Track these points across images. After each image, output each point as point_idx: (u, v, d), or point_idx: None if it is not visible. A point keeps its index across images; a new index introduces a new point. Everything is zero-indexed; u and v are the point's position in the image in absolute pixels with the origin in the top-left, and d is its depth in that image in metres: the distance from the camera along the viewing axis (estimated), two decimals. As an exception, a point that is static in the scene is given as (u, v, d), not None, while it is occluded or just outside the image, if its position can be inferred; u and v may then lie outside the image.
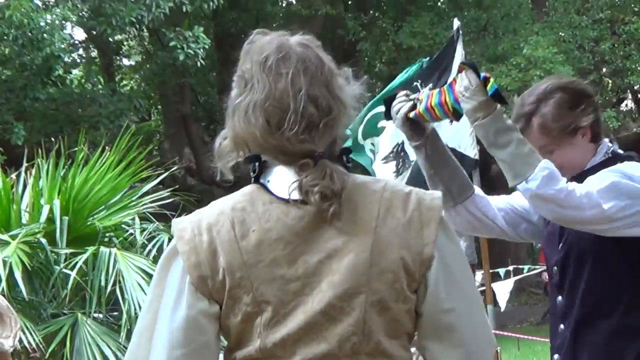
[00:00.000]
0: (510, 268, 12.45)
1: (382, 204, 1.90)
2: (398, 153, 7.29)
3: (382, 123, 7.31)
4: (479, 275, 10.24)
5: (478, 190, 3.18)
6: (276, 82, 1.89)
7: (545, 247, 3.31)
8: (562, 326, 3.12)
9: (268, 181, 1.91)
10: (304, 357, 1.86)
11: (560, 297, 3.13)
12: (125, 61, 22.25)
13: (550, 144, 3.09)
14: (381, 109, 7.62)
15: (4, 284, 5.82)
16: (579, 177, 3.02)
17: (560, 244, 3.14)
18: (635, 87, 20.78)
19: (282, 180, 1.90)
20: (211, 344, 1.91)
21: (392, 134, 7.30)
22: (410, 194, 1.93)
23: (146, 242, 7.01)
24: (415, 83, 7.05)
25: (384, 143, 7.42)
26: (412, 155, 6.98)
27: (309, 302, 1.85)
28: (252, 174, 1.93)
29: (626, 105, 23.50)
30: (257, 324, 1.87)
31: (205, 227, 1.90)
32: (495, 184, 22.33)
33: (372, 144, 7.65)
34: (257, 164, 1.92)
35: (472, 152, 6.78)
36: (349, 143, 7.32)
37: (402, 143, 7.18)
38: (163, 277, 1.94)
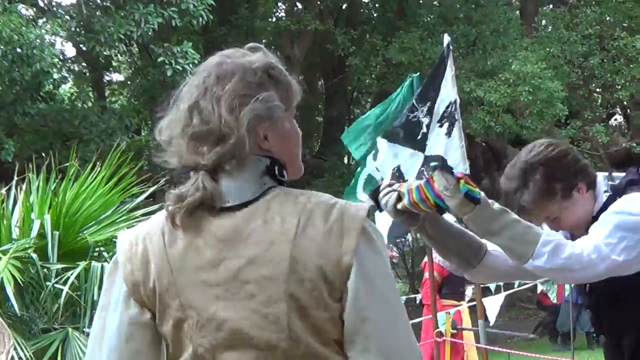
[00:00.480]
0: (501, 283, 12.44)
1: (304, 214, 1.90)
2: (395, 176, 7.20)
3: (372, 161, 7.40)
4: (469, 290, 10.26)
5: (491, 245, 3.08)
6: (186, 91, 2.00)
7: (574, 290, 3.35)
8: None
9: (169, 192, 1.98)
10: None
11: (604, 336, 3.29)
12: (116, 76, 22.27)
13: (553, 214, 3.14)
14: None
15: (-5, 299, 5.82)
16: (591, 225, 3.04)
17: (587, 288, 3.20)
18: (625, 102, 20.84)
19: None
20: (142, 352, 1.98)
21: (384, 161, 7.33)
22: (335, 204, 1.93)
23: None
24: (412, 102, 7.13)
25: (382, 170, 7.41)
26: (409, 174, 7.09)
27: (231, 308, 1.89)
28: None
29: (615, 120, 23.60)
30: (186, 329, 1.92)
31: (142, 237, 1.99)
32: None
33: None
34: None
35: (463, 167, 6.82)
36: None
37: (399, 167, 7.21)
38: (108, 287, 2.03)
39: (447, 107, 7.05)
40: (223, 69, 1.95)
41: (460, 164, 6.81)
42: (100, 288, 6.47)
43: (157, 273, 1.93)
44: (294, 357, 1.89)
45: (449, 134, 7.03)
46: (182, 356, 1.95)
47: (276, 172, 1.97)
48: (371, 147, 7.42)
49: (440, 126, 7.03)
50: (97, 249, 6.91)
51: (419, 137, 7.13)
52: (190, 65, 15.02)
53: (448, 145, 6.98)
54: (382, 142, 7.26)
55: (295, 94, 2.06)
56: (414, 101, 7.18)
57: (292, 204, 1.92)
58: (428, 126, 7.15)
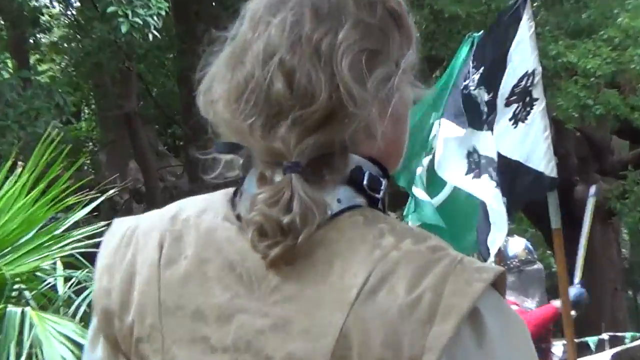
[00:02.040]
0: (605, 336, 12.48)
1: (380, 266, 1.63)
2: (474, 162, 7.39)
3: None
4: (558, 347, 10.25)
5: None
6: (255, 38, 1.73)
7: None
8: None
9: (243, 190, 1.76)
10: None
11: None
12: (45, 37, 22.36)
13: None
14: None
15: None
16: None
17: None
18: None
19: (250, 193, 1.72)
20: None
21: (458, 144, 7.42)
22: (440, 261, 1.64)
23: (73, 297, 6.98)
24: (469, 67, 7.14)
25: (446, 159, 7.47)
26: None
27: None
28: (242, 173, 1.77)
29: None
30: None
31: (135, 236, 1.80)
32: (581, 214, 22.33)
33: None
34: (245, 160, 1.76)
35: (548, 167, 6.78)
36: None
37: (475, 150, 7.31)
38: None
39: (521, 80, 7.01)
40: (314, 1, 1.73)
41: (544, 164, 6.78)
42: (19, 343, 6.56)
43: (140, 305, 1.73)
44: None
45: (518, 119, 6.99)
46: None
47: (366, 182, 1.73)
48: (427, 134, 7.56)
49: (507, 106, 7.02)
50: (15, 287, 6.94)
51: (484, 117, 7.24)
52: (155, 18, 14.98)
53: (524, 137, 6.94)
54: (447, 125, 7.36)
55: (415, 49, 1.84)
56: (470, 67, 7.29)
57: (368, 243, 1.65)
58: (490, 104, 7.21)
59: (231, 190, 1.78)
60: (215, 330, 1.68)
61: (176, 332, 1.70)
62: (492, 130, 7.09)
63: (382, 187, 1.74)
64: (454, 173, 7.44)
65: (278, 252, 1.62)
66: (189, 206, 1.82)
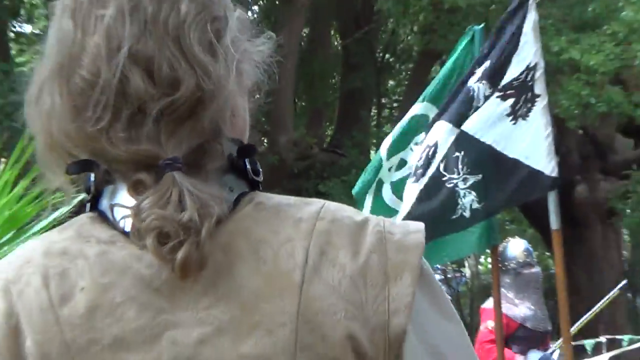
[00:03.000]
0: (603, 339, 12.48)
1: (314, 241, 1.59)
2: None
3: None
4: (556, 351, 10.27)
5: None
6: (85, 35, 1.62)
7: None
8: None
9: (111, 206, 1.62)
10: None
11: None
12: (27, 28, 22.31)
13: None
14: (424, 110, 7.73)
15: None
16: None
17: None
18: None
19: (124, 207, 1.60)
20: None
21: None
22: (367, 224, 1.64)
23: None
24: (472, 65, 7.12)
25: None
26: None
27: None
28: (86, 194, 1.66)
29: None
30: None
31: (7, 288, 1.58)
32: (584, 215, 22.22)
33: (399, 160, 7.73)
34: (92, 176, 1.63)
35: (549, 166, 6.80)
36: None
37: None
38: None
39: (521, 73, 6.98)
40: None
41: (544, 162, 6.80)
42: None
43: (41, 354, 1.53)
44: None
45: (517, 116, 6.95)
46: None
47: (248, 166, 1.67)
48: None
49: (503, 100, 6.98)
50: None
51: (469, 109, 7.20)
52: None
53: (524, 133, 6.93)
54: (442, 125, 7.24)
55: None
56: (475, 64, 7.24)
57: (291, 221, 1.61)
58: (487, 99, 7.16)
59: (88, 215, 1.65)
60: (143, 356, 1.54)
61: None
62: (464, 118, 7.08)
63: (260, 171, 1.69)
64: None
65: (184, 253, 1.51)
66: (52, 241, 1.64)
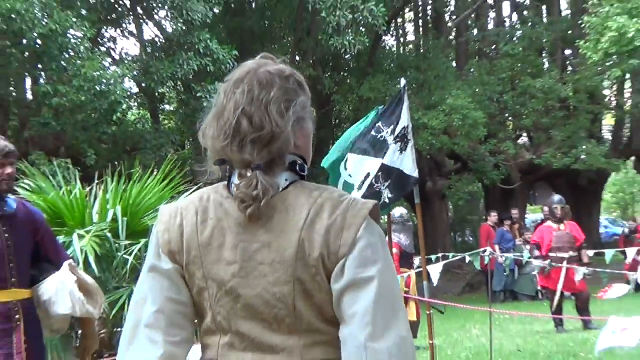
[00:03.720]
0: (440, 255, 12.50)
1: (314, 208, 1.59)
2: (364, 178, 6.94)
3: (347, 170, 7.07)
4: (417, 260, 10.25)
5: None
6: (227, 99, 1.64)
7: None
8: None
9: (233, 182, 1.65)
10: (248, 332, 1.60)
11: None
12: (167, 107, 22.19)
13: None
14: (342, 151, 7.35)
15: (81, 265, 5.79)
16: None
17: None
18: (528, 127, 20.90)
19: (236, 182, 1.65)
20: (184, 301, 1.65)
21: (354, 170, 7.00)
22: (344, 200, 1.61)
23: None
24: (377, 124, 7.00)
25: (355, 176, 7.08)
26: (371, 175, 6.85)
27: (246, 288, 1.59)
28: (224, 174, 1.70)
29: (522, 139, 23.65)
30: (207, 297, 1.62)
31: (180, 211, 1.68)
32: (431, 196, 22.11)
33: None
34: (227, 167, 1.67)
35: (414, 173, 6.82)
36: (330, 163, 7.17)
37: (368, 173, 6.87)
38: (151, 252, 1.70)
39: (402, 129, 6.91)
40: (262, 77, 1.64)
41: (412, 171, 6.82)
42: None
43: (187, 246, 1.63)
44: (298, 330, 1.58)
45: (402, 150, 6.86)
46: (204, 322, 1.66)
47: (298, 168, 1.66)
48: (341, 157, 7.09)
49: (396, 143, 6.88)
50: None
51: (384, 150, 6.99)
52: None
53: (401, 157, 6.86)
54: (352, 156, 6.99)
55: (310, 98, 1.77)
56: (380, 124, 7.07)
57: (306, 198, 1.61)
58: (390, 141, 7.00)
59: (222, 183, 1.69)
60: (230, 254, 1.61)
61: (209, 257, 1.62)
62: (384, 156, 6.82)
63: (306, 170, 1.68)
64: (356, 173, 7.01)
65: (251, 210, 1.58)
66: (205, 192, 1.69)
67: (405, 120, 6.98)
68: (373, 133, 7.03)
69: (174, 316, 1.64)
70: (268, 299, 1.58)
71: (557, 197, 11.22)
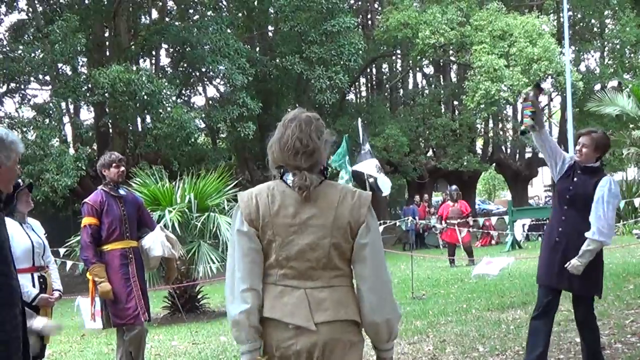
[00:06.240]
0: (381, 221, 12.41)
1: (341, 195, 1.56)
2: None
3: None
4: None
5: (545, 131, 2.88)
6: (286, 130, 1.57)
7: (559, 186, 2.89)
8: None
9: (287, 178, 1.58)
10: (297, 267, 1.54)
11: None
12: (221, 136, 21.83)
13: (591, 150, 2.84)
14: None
15: (170, 228, 5.76)
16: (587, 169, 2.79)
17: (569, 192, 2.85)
18: (434, 146, 20.87)
19: (290, 178, 1.58)
20: (255, 249, 1.56)
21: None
22: (356, 191, 1.59)
23: (229, 210, 6.76)
24: (360, 145, 6.65)
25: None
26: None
27: (300, 239, 1.53)
28: (279, 174, 1.59)
29: (430, 154, 23.36)
30: (273, 246, 1.54)
31: (255, 195, 1.58)
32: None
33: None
34: (282, 170, 1.59)
35: (377, 172, 6.51)
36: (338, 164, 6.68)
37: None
38: (235, 219, 1.59)
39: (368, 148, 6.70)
40: (305, 118, 1.57)
41: (374, 171, 6.55)
42: (213, 224, 6.44)
43: (262, 215, 1.53)
44: (328, 266, 1.53)
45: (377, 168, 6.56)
46: (268, 260, 1.55)
47: (326, 173, 1.60)
48: (345, 165, 6.68)
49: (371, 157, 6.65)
50: (212, 207, 6.79)
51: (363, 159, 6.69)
52: (252, 132, 14.61)
53: (367, 163, 6.61)
54: (354, 167, 6.69)
55: None
56: (361, 144, 6.84)
57: (334, 189, 1.56)
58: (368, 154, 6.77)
59: (278, 180, 1.58)
60: (292, 220, 1.53)
61: (278, 223, 1.53)
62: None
63: (327, 174, 1.61)
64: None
65: (305, 193, 1.52)
66: (271, 184, 1.58)
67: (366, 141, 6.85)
68: (360, 150, 6.80)
69: (252, 254, 1.56)
70: (314, 247, 1.53)
71: (454, 187, 11.34)
